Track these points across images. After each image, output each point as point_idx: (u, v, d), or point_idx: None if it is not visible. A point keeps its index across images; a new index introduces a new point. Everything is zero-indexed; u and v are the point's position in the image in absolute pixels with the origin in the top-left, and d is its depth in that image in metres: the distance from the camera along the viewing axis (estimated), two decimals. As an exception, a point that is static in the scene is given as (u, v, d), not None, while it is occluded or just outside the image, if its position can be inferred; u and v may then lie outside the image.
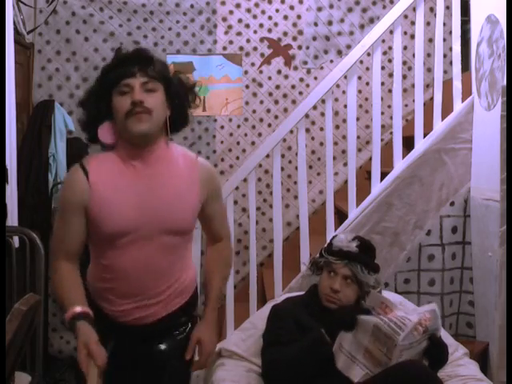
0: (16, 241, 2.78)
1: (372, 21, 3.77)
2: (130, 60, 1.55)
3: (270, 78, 3.83)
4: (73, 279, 1.56)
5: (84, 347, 1.43)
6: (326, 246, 2.16)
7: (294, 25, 3.82)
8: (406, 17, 3.68)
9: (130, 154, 1.55)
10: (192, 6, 3.78)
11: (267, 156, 2.98)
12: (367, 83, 3.78)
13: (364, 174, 3.59)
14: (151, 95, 1.52)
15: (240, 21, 3.80)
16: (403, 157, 2.90)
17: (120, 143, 1.57)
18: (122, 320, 1.59)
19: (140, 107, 1.49)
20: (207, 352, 1.64)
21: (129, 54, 1.58)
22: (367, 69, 3.76)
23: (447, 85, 2.99)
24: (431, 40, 3.62)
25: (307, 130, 3.64)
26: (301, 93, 3.82)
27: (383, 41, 3.30)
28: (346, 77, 2.91)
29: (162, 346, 1.64)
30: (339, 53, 3.81)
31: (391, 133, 3.02)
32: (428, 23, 3.68)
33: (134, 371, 1.62)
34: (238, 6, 3.80)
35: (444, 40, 3.02)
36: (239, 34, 3.81)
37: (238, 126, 3.84)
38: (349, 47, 3.72)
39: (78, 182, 1.53)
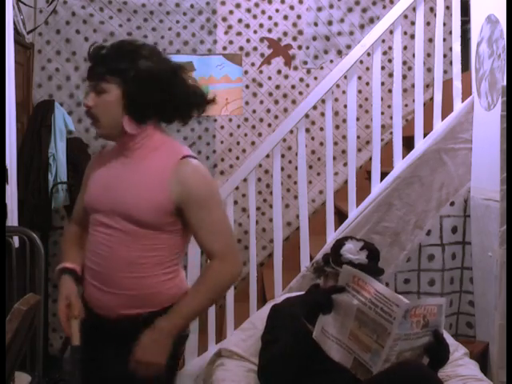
0: (16, 241, 2.79)
1: (372, 21, 3.77)
2: (90, 60, 1.60)
3: (269, 78, 3.83)
4: (73, 240, 1.75)
5: (64, 298, 1.59)
6: (332, 254, 2.04)
7: (294, 25, 3.82)
8: (405, 17, 3.68)
9: (117, 144, 1.68)
10: (192, 6, 3.78)
11: (267, 156, 2.98)
12: (367, 83, 3.78)
13: (364, 174, 3.59)
14: (101, 97, 1.55)
15: (240, 21, 3.80)
16: (403, 157, 2.90)
17: None
18: (91, 304, 1.63)
19: (89, 113, 1.58)
20: (136, 357, 1.50)
21: (89, 54, 1.61)
22: (367, 69, 3.76)
23: (447, 85, 2.99)
24: (431, 40, 3.62)
25: (307, 130, 3.64)
26: (301, 93, 3.82)
27: (383, 41, 3.31)
28: (345, 77, 2.91)
29: (114, 351, 1.58)
30: (339, 53, 3.82)
31: (391, 133, 3.02)
32: (428, 23, 3.69)
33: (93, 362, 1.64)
34: (237, 6, 3.80)
35: (444, 40, 3.03)
36: (239, 34, 3.81)
37: (238, 126, 3.84)
38: (349, 47, 3.73)
39: (91, 160, 1.80)
